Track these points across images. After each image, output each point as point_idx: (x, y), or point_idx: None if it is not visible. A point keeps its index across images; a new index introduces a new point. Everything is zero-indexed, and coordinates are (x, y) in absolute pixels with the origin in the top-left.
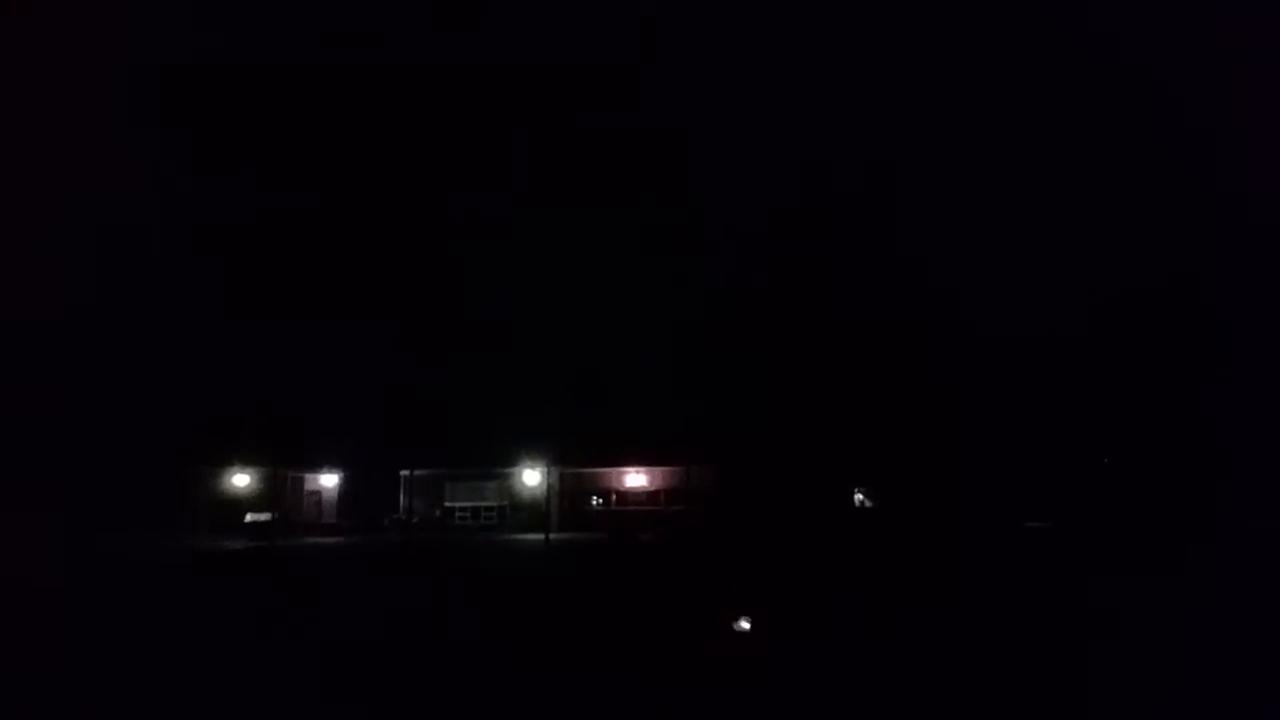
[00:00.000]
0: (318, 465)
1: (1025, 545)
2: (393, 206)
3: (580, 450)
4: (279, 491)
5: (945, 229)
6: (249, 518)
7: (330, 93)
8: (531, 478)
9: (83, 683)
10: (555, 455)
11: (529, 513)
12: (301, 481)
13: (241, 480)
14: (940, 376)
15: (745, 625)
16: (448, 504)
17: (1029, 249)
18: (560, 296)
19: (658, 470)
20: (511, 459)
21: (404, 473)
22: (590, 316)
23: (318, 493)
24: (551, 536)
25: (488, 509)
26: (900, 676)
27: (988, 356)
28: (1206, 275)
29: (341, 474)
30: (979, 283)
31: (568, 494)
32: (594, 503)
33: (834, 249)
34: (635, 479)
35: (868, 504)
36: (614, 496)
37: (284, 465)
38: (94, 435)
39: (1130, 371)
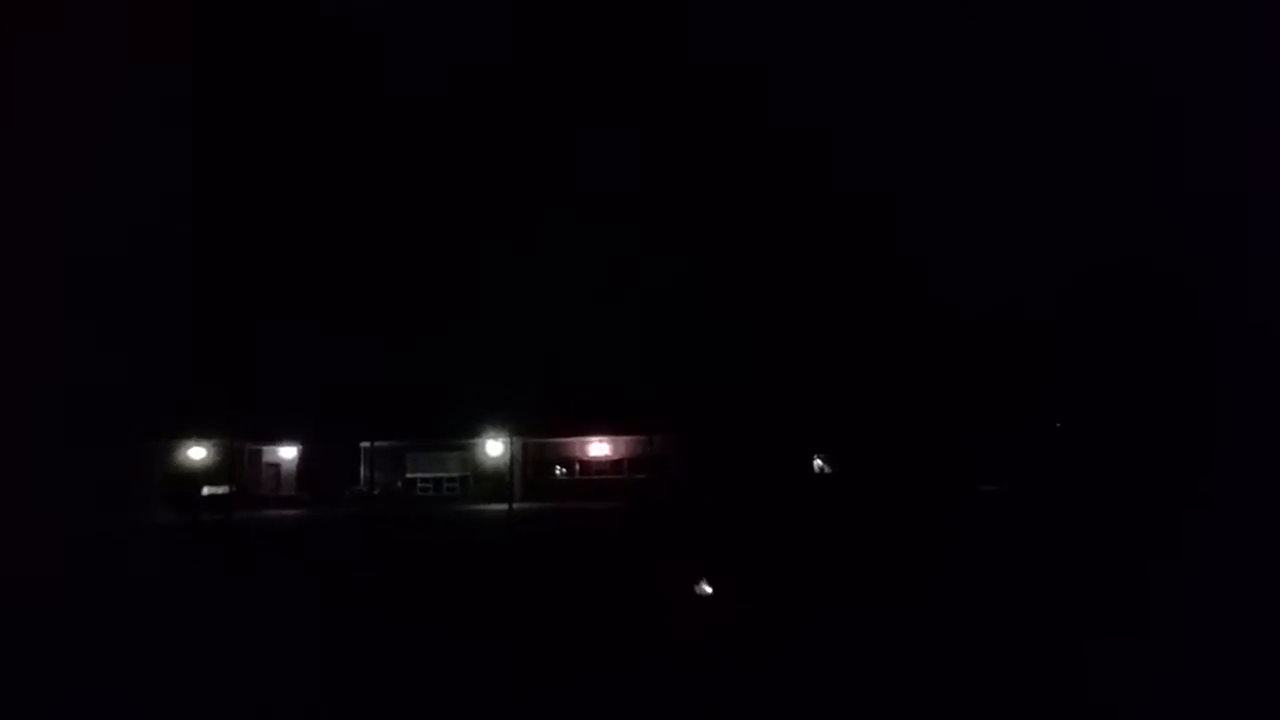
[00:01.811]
0: (276, 437)
1: (980, 507)
2: (352, 175)
3: (543, 420)
4: (236, 464)
5: (906, 197)
6: (206, 491)
7: (285, 65)
8: (494, 448)
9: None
10: (518, 425)
11: (492, 483)
12: (259, 454)
13: (197, 453)
14: (898, 344)
15: (706, 589)
16: (409, 475)
17: (989, 218)
18: (521, 267)
19: (621, 439)
20: (474, 429)
21: (364, 444)
22: (551, 286)
23: (276, 465)
24: (515, 506)
25: (450, 480)
26: (860, 637)
27: (947, 325)
28: (1165, 251)
29: (300, 446)
30: (938, 251)
31: (531, 464)
32: (558, 472)
33: (794, 218)
34: (599, 448)
35: (827, 470)
36: (577, 466)
37: (241, 438)
38: (41, 411)
39: (1088, 341)
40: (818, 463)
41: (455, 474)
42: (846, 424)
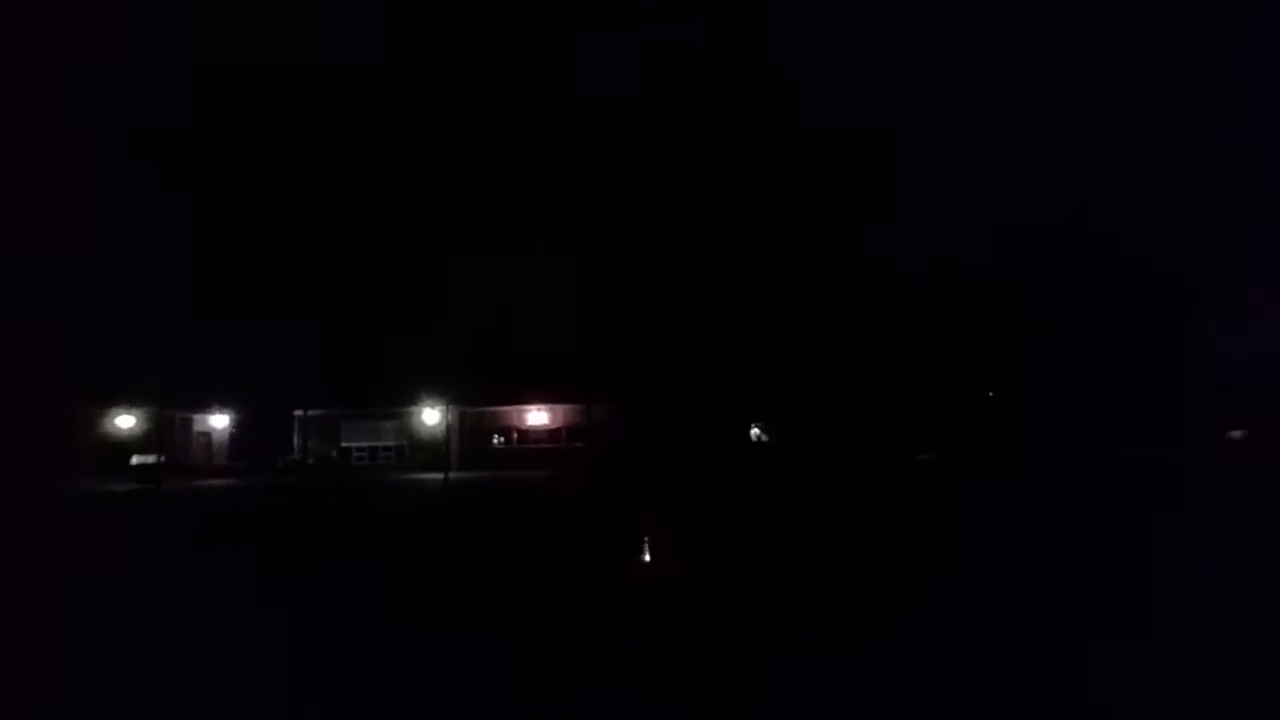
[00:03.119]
0: (207, 405)
1: (914, 474)
2: (285, 135)
3: (480, 389)
4: (166, 433)
5: (848, 159)
6: (135, 460)
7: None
8: (431, 416)
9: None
10: (455, 394)
11: (429, 452)
12: (190, 422)
13: (126, 422)
14: (834, 314)
15: (645, 556)
16: (344, 444)
17: (928, 182)
18: (458, 234)
19: (559, 408)
20: (410, 398)
21: (298, 413)
22: (489, 253)
23: (207, 434)
24: (451, 475)
25: (386, 449)
26: (790, 593)
27: (881, 294)
28: (1102, 218)
29: (232, 414)
30: (877, 217)
31: (468, 432)
32: (495, 441)
33: (734, 186)
34: (537, 417)
35: (764, 438)
36: (515, 435)
37: (170, 405)
38: None
39: (1016, 310)
40: (755, 431)
41: (391, 443)
42: (784, 393)
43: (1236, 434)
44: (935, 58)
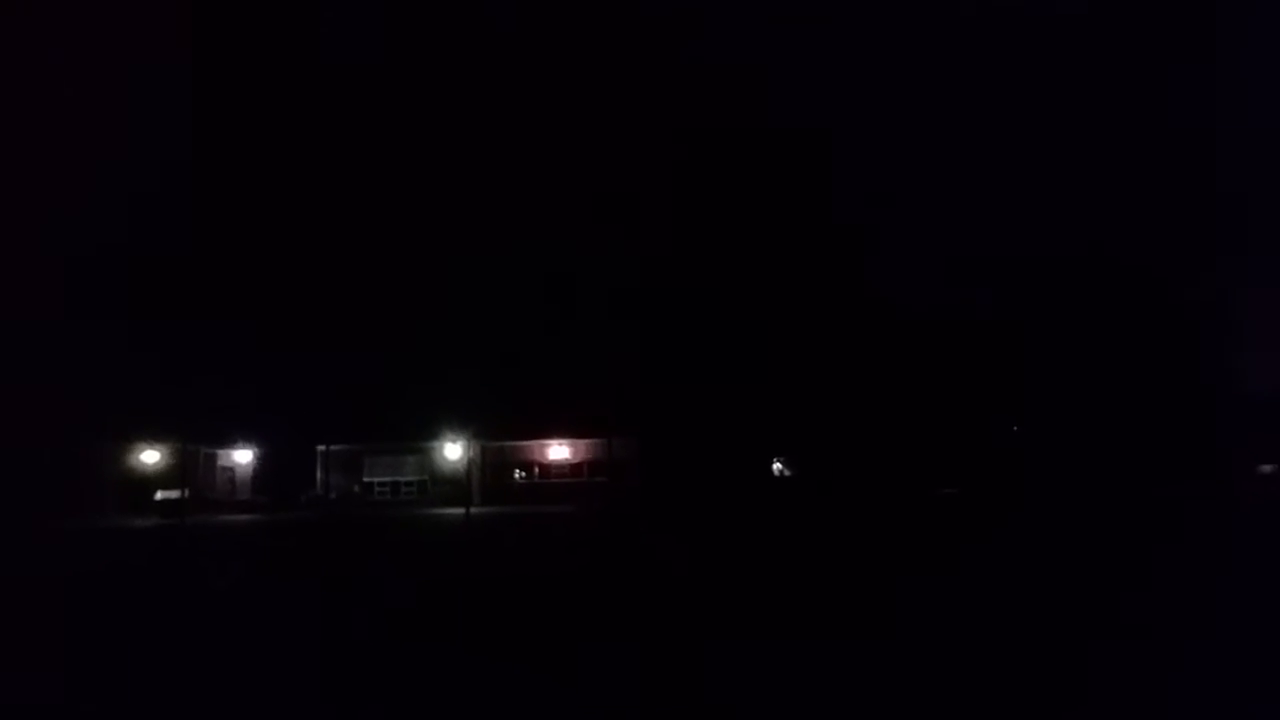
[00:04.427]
0: (231, 441)
1: (936, 509)
2: (302, 164)
3: (502, 423)
4: (190, 468)
5: (864, 190)
6: (159, 495)
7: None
8: (452, 451)
9: None
10: (476, 428)
11: (450, 486)
12: (214, 458)
13: (151, 457)
14: (858, 348)
15: (670, 590)
16: (366, 479)
17: (943, 216)
18: (480, 269)
19: (580, 443)
20: (432, 433)
21: (320, 448)
22: (509, 288)
23: (231, 469)
24: (473, 510)
25: (408, 483)
26: (815, 629)
27: (903, 327)
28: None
29: (256, 450)
30: (894, 253)
31: (489, 467)
32: (516, 475)
33: (749, 218)
34: (558, 451)
35: (786, 473)
36: (536, 469)
37: (195, 441)
38: None
39: (1039, 342)
40: (777, 466)
41: (413, 478)
42: (806, 427)
43: (1267, 468)
44: (937, 80)
